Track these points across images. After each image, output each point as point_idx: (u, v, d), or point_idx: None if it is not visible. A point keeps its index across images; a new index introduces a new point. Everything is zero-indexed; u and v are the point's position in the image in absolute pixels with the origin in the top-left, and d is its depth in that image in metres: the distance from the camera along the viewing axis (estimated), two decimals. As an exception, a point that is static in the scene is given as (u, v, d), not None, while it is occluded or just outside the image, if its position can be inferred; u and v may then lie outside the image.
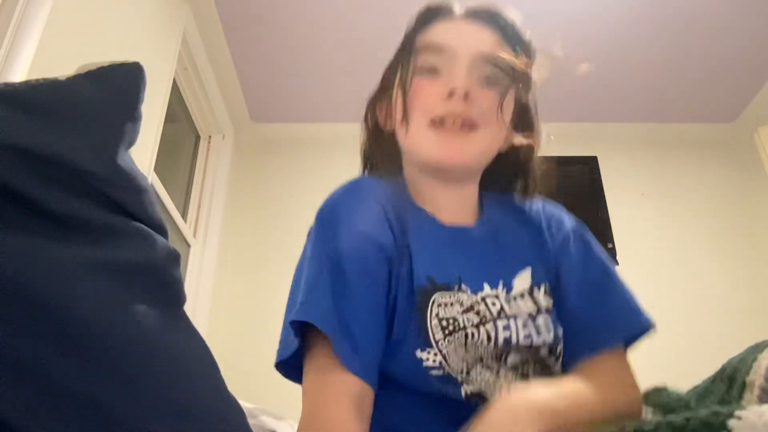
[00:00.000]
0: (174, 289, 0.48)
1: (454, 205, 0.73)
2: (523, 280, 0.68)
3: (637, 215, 2.72)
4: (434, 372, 0.60)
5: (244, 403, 0.75)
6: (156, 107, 1.85)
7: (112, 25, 1.56)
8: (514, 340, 0.63)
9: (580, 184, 2.70)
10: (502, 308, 0.65)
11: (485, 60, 0.69)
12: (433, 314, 0.62)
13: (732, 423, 0.42)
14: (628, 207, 2.72)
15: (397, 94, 0.72)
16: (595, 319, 0.68)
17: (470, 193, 0.75)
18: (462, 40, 0.70)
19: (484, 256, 0.70)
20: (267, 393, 2.25)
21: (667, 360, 2.36)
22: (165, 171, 2.10)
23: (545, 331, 0.64)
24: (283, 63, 2.54)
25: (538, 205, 0.78)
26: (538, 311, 0.66)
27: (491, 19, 0.72)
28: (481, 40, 0.70)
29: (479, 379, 0.61)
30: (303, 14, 2.30)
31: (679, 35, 2.38)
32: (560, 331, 0.67)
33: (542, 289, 0.68)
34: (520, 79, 0.71)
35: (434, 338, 0.60)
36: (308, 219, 0.72)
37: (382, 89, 0.79)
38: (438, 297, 0.63)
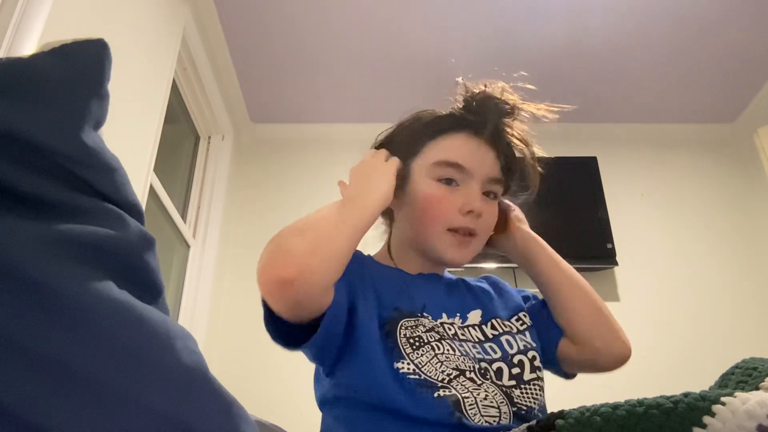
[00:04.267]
0: (146, 274, 0.45)
1: (426, 270, 0.89)
2: (475, 316, 0.85)
3: (636, 215, 2.72)
4: (411, 376, 0.72)
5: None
6: (156, 107, 1.85)
7: (112, 25, 1.56)
8: (470, 354, 0.77)
9: (580, 184, 2.70)
10: (455, 333, 0.80)
11: (490, 181, 0.86)
12: (402, 335, 0.75)
13: (716, 408, 0.43)
14: (628, 207, 2.72)
15: (412, 198, 0.86)
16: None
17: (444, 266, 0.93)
18: (478, 163, 0.85)
19: (443, 294, 0.86)
20: (266, 393, 2.25)
21: (667, 360, 2.36)
22: (165, 171, 2.10)
23: (492, 352, 0.80)
24: (283, 63, 2.54)
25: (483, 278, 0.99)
26: (485, 340, 0.82)
27: (500, 141, 0.87)
28: (492, 163, 0.86)
29: (461, 387, 0.72)
30: (303, 15, 2.30)
31: (678, 36, 2.38)
32: (517, 349, 0.82)
33: (489, 324, 0.84)
34: (514, 193, 0.91)
35: (405, 352, 0.74)
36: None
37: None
38: (404, 323, 0.77)
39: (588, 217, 2.62)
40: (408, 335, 0.75)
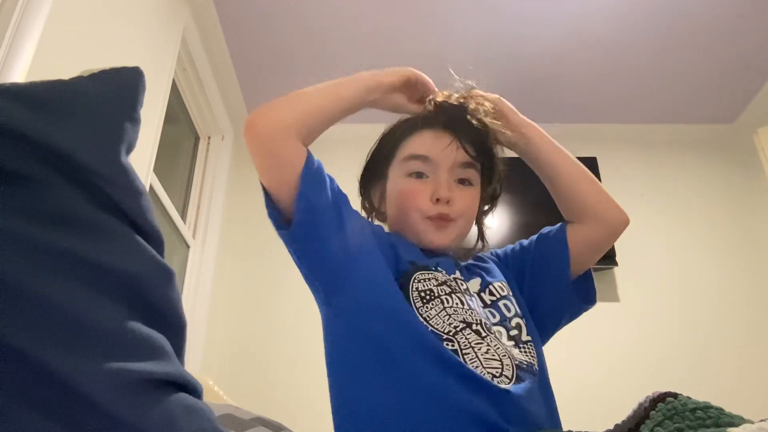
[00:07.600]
0: (168, 310, 0.45)
1: None
2: (474, 284, 0.90)
3: (636, 215, 2.70)
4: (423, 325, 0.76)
5: (243, 412, 0.75)
6: (156, 108, 1.85)
7: (112, 26, 1.56)
8: (477, 310, 0.81)
9: (580, 184, 2.70)
10: (467, 288, 0.86)
11: (460, 167, 0.89)
12: (414, 288, 0.79)
13: None
14: (628, 207, 2.70)
15: (390, 197, 0.93)
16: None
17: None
18: (441, 152, 0.88)
19: (452, 260, 0.91)
20: (265, 394, 2.25)
21: (666, 360, 2.36)
22: (164, 172, 2.10)
23: (492, 317, 0.84)
24: (283, 64, 2.54)
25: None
26: (484, 306, 0.86)
27: (464, 129, 0.90)
28: (455, 150, 0.88)
29: (465, 340, 0.75)
30: (302, 15, 2.30)
31: (678, 36, 2.39)
32: (515, 312, 0.87)
33: (488, 291, 0.89)
34: (486, 176, 0.94)
35: (415, 306, 0.78)
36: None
37: (373, 175, 0.98)
38: (418, 275, 0.81)
39: (588, 217, 2.62)
40: (420, 288, 0.80)
